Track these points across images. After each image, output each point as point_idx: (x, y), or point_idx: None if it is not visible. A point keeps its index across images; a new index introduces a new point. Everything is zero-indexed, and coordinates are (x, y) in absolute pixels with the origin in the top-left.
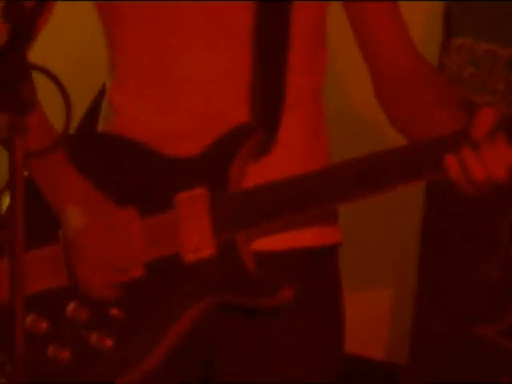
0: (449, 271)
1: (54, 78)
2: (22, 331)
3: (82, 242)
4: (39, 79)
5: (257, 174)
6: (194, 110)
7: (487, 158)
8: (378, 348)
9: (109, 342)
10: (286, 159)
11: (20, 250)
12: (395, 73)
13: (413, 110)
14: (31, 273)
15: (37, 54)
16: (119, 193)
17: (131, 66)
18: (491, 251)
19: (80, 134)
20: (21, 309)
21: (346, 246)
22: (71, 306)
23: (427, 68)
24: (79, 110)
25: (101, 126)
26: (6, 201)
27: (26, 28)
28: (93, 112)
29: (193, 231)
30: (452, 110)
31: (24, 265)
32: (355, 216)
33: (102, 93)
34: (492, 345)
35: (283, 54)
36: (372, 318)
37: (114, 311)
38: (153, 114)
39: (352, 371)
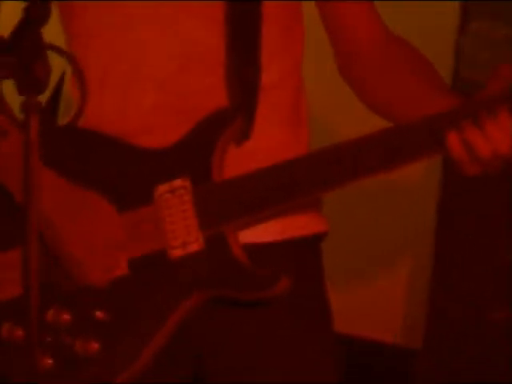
0: (465, 255)
1: (70, 58)
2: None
3: (70, 231)
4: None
5: (235, 160)
6: (161, 103)
7: (491, 132)
8: (391, 332)
9: (95, 346)
10: (265, 142)
11: (34, 230)
12: (369, 55)
13: (393, 91)
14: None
15: None
16: (94, 188)
17: (91, 61)
18: (508, 235)
19: (47, 128)
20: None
21: (362, 228)
22: (51, 311)
23: (406, 49)
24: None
25: (62, 117)
26: None
27: (41, 7)
28: (53, 101)
29: (177, 225)
30: (437, 90)
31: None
32: (370, 198)
33: (61, 81)
34: (505, 331)
35: (256, 35)
36: (386, 302)
37: (99, 313)
38: (116, 109)
39: (366, 354)
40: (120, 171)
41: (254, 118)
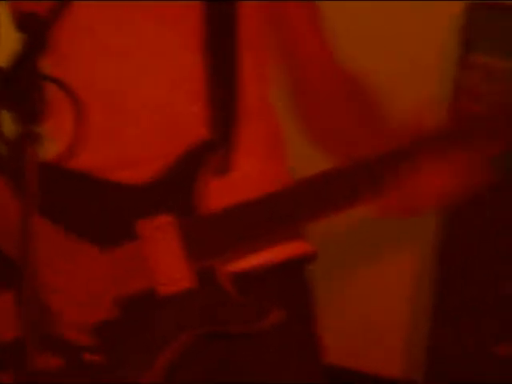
0: (468, 287)
1: (67, 89)
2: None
3: (52, 280)
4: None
5: (216, 191)
6: (145, 132)
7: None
8: (394, 366)
9: None
10: (246, 172)
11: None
12: (316, 85)
13: (330, 124)
14: None
15: None
16: (75, 228)
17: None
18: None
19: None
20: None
21: (359, 258)
22: (42, 358)
23: (349, 81)
24: None
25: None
26: None
27: (39, 39)
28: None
29: (165, 262)
30: (371, 127)
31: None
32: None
33: None
34: (509, 365)
35: (236, 64)
36: (388, 337)
37: (89, 356)
38: (96, 143)
39: None
40: (102, 209)
41: (232, 149)
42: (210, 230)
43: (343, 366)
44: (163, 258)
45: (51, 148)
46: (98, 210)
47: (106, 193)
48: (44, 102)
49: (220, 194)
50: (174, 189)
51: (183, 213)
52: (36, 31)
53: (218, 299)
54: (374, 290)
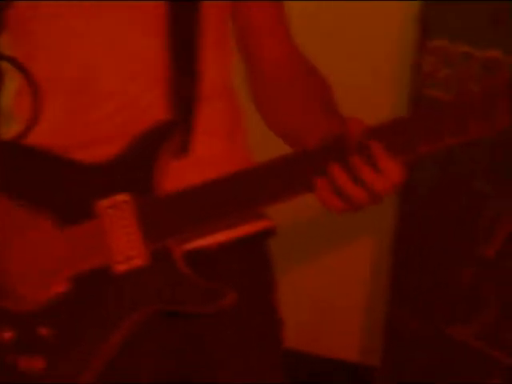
0: (423, 268)
1: (21, 68)
2: None
3: (4, 255)
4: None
5: (175, 172)
6: (107, 115)
7: (363, 171)
8: (351, 350)
9: (40, 364)
10: (204, 153)
11: None
12: (272, 72)
13: (283, 114)
14: None
15: None
16: (33, 204)
17: (34, 72)
18: (467, 249)
19: None
20: None
21: (318, 245)
22: None
23: (305, 68)
24: None
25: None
26: None
27: None
28: None
29: (121, 240)
30: (324, 117)
31: None
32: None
33: None
34: (464, 347)
35: (195, 46)
36: (345, 322)
37: (43, 330)
38: (59, 122)
39: (326, 373)
40: (61, 186)
41: (192, 130)
42: (167, 209)
43: (300, 349)
44: (119, 236)
45: (15, 127)
46: (57, 187)
47: (65, 171)
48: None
49: (179, 174)
50: (133, 168)
51: (141, 192)
52: None
53: (174, 279)
54: (332, 274)
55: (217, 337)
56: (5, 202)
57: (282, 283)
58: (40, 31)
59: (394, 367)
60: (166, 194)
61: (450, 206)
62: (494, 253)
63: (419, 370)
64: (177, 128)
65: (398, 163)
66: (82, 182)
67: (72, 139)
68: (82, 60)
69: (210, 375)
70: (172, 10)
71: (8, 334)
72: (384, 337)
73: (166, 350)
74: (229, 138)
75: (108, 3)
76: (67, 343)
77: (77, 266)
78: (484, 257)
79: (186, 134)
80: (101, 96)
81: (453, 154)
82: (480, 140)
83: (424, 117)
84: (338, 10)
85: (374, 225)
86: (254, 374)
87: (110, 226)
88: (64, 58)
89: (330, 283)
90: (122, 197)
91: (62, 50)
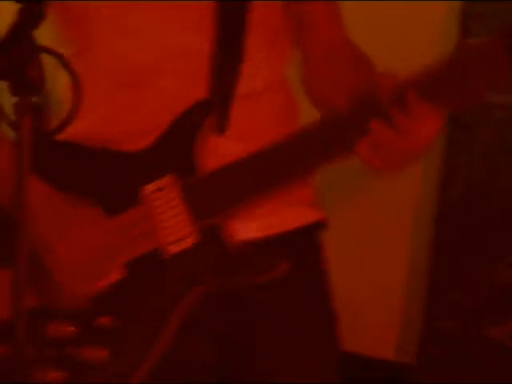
0: (463, 269)
1: (63, 60)
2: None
3: (57, 249)
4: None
5: (215, 150)
6: (156, 110)
7: (403, 123)
8: (387, 348)
9: (103, 353)
10: (259, 144)
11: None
12: (323, 55)
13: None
14: None
15: None
16: (81, 196)
17: (91, 66)
18: (506, 251)
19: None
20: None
21: (355, 245)
22: (52, 326)
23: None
24: None
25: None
26: None
27: (35, 9)
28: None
29: (169, 222)
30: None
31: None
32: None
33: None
34: (501, 347)
35: (242, 33)
36: (382, 317)
37: (102, 320)
38: (109, 116)
39: (361, 371)
40: (106, 176)
41: (228, 108)
42: (212, 187)
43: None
44: (167, 219)
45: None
46: (103, 178)
47: (109, 161)
48: (41, 72)
49: (221, 150)
50: (174, 151)
51: (184, 173)
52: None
53: (225, 254)
54: (370, 273)
55: (270, 329)
56: (54, 195)
57: None
58: (98, 30)
59: (429, 366)
60: (209, 172)
61: (492, 203)
62: None
63: (455, 369)
64: (213, 107)
65: (436, 109)
66: (126, 170)
67: (120, 133)
68: (138, 58)
69: (263, 368)
70: (221, 10)
71: (70, 329)
72: (421, 335)
73: (218, 337)
74: (282, 129)
75: (161, 3)
76: (127, 331)
77: (129, 253)
78: None
79: (222, 113)
80: (151, 92)
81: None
82: None
83: (452, 65)
84: (379, 9)
85: (412, 221)
86: (310, 370)
87: (157, 209)
88: (119, 55)
89: (368, 282)
90: (166, 179)
91: (119, 48)
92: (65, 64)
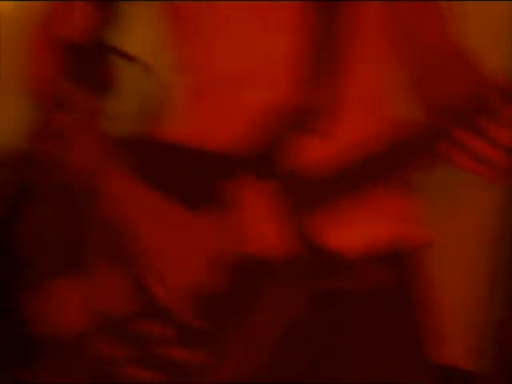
0: None
1: (143, 65)
2: None
3: (159, 252)
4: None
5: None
6: (258, 107)
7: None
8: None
9: (200, 356)
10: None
11: None
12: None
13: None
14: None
15: None
16: (170, 194)
17: (204, 63)
18: None
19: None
20: None
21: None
22: (156, 328)
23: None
24: None
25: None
26: None
27: (111, 14)
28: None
29: (264, 224)
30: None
31: None
32: None
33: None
34: None
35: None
36: (454, 324)
37: (200, 323)
38: (219, 113)
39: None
40: (193, 176)
41: (336, 112)
42: (305, 189)
43: None
44: (262, 223)
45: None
46: (189, 177)
47: (197, 160)
48: (112, 75)
49: (312, 152)
50: (268, 153)
51: (273, 175)
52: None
53: (325, 259)
54: (449, 289)
55: (362, 338)
56: (156, 197)
57: None
58: (212, 32)
59: (505, 375)
60: (301, 174)
61: None
62: None
63: None
64: (302, 109)
65: None
66: (216, 170)
67: (220, 133)
68: (240, 59)
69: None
70: (314, 13)
71: (170, 331)
72: (496, 343)
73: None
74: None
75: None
76: (228, 335)
77: (222, 256)
78: None
79: (329, 120)
80: (252, 93)
81: None
82: None
83: None
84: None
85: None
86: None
87: (251, 213)
88: (227, 54)
89: (446, 295)
90: (260, 183)
91: (226, 48)
92: (145, 67)
